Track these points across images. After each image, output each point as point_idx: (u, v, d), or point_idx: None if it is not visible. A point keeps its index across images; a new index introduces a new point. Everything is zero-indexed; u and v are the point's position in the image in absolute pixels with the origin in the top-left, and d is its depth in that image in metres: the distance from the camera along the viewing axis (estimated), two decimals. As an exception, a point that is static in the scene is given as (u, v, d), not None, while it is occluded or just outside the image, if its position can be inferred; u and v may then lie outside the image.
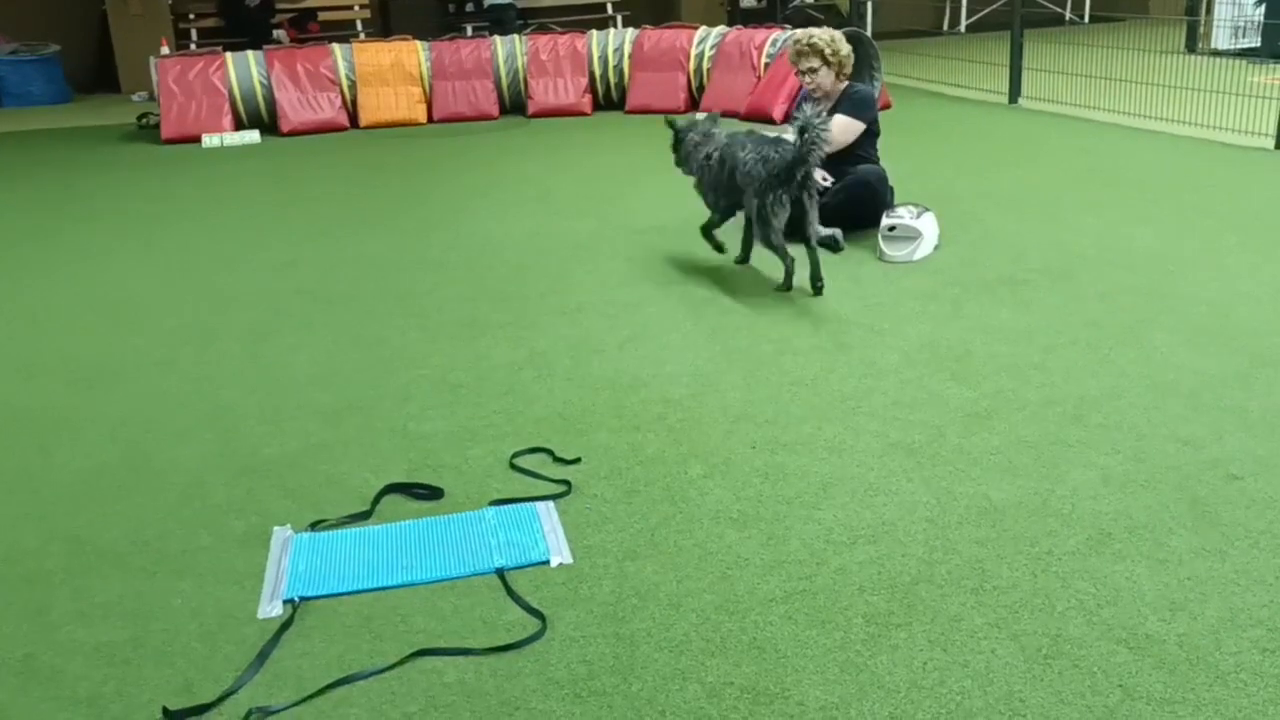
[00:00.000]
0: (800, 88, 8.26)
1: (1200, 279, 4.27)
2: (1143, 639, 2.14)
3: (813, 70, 5.01)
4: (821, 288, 4.30)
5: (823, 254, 4.82)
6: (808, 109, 4.19)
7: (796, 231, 5.01)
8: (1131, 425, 3.05)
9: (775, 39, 9.03)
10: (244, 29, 12.11)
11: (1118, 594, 2.28)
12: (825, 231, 4.92)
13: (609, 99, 9.79)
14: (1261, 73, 9.02)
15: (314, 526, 2.70)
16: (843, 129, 4.98)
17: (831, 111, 5.07)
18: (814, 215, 4.30)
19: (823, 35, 5.02)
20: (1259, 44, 10.30)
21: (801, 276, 4.34)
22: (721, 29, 9.69)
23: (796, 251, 4.34)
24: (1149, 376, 3.37)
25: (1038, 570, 2.38)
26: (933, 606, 2.27)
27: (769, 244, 4.36)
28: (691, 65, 9.48)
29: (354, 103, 9.38)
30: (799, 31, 5.17)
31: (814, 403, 3.30)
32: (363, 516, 2.75)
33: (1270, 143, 6.72)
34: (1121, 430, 3.02)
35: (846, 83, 5.09)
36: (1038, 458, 2.89)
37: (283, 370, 3.79)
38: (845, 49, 5.02)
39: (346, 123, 9.29)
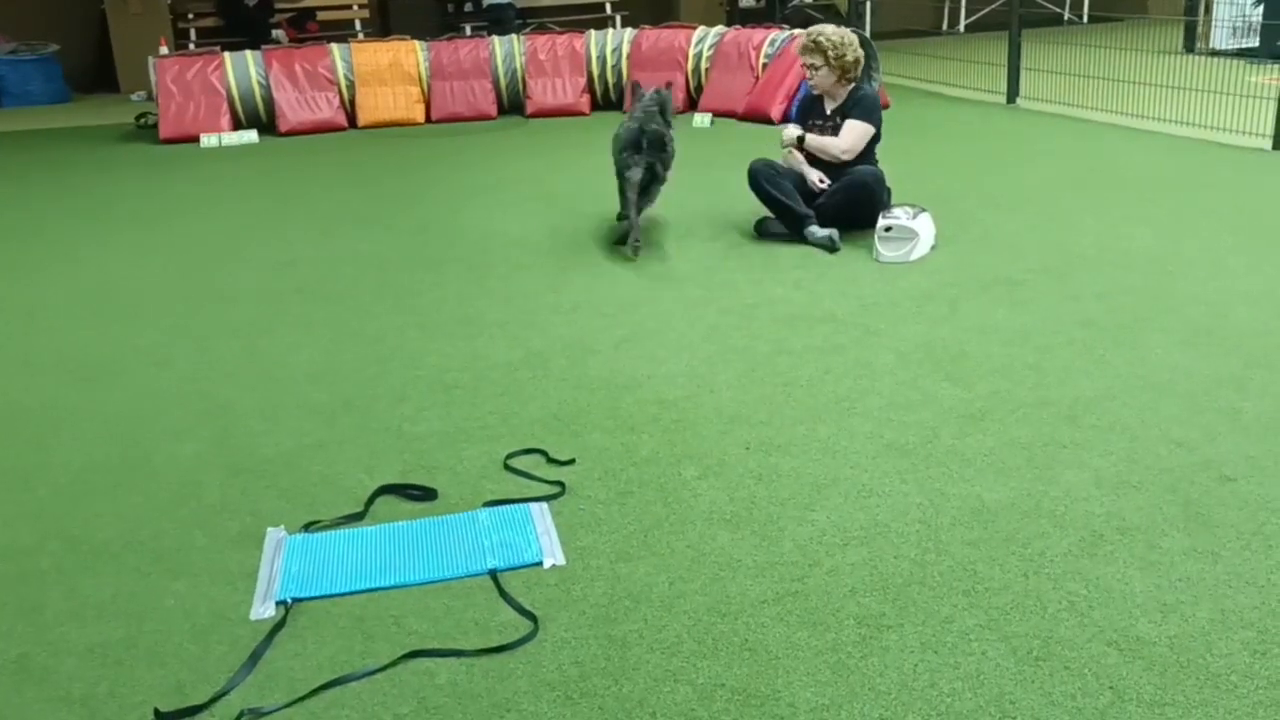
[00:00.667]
0: (799, 86, 8.27)
1: (1197, 280, 4.28)
2: (1134, 641, 2.14)
3: (814, 67, 5.01)
4: (637, 249, 4.89)
5: (819, 254, 4.84)
6: (644, 92, 4.96)
7: (798, 228, 5.02)
8: (1125, 426, 3.05)
9: (773, 39, 9.03)
10: (243, 29, 12.10)
11: (1109, 596, 2.28)
12: (822, 232, 4.94)
13: (607, 99, 9.79)
14: (1260, 73, 9.02)
15: (307, 528, 2.71)
16: (858, 135, 5.00)
17: (837, 113, 5.07)
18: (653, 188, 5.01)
19: (832, 36, 4.98)
20: (1257, 44, 10.30)
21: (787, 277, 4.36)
22: (720, 29, 9.69)
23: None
24: (1144, 377, 3.37)
25: (1029, 572, 2.38)
26: (924, 608, 2.27)
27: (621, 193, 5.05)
28: (690, 65, 9.48)
29: (352, 102, 9.38)
30: (816, 26, 5.16)
31: (808, 404, 3.30)
32: (356, 518, 2.75)
33: (1268, 143, 6.73)
34: (1115, 431, 3.02)
35: (851, 85, 5.08)
36: (1031, 459, 2.89)
37: (280, 368, 3.79)
38: (852, 55, 4.98)
39: (345, 123, 9.29)
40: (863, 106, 5.03)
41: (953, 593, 2.32)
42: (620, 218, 5.27)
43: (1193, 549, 2.44)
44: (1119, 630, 2.17)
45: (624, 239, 5.03)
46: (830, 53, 4.96)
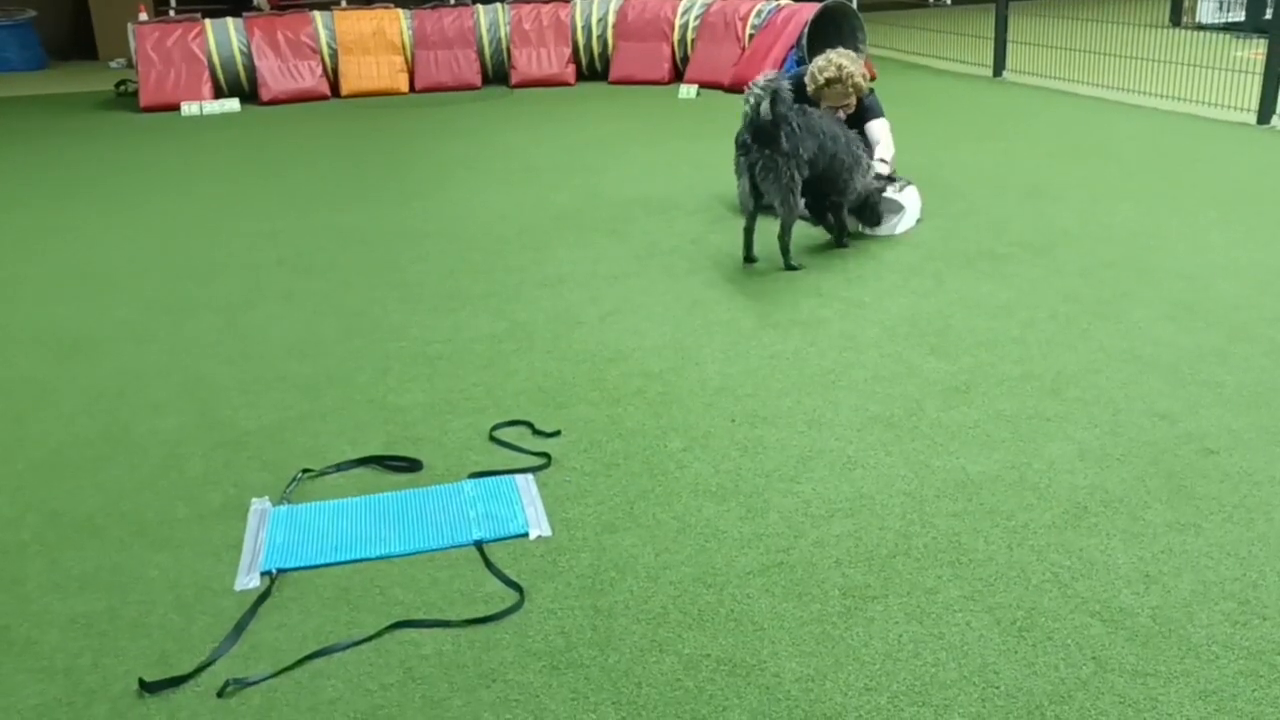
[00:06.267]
0: (786, 59, 8.24)
1: (1180, 254, 4.29)
2: (1116, 612, 2.15)
3: (847, 107, 4.83)
4: (792, 268, 4.28)
5: (804, 227, 4.82)
6: (772, 81, 4.06)
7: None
8: (1109, 399, 3.06)
9: (760, 10, 8.98)
10: (223, -5, 11.95)
11: (1092, 567, 2.30)
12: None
13: (592, 69, 9.74)
14: (1245, 47, 9.03)
15: (304, 473, 2.73)
16: (888, 131, 4.96)
17: (853, 120, 5.00)
18: (775, 195, 4.18)
19: (852, 67, 4.76)
20: (1243, 18, 10.30)
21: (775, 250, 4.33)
22: (706, -1, 9.63)
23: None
24: (1127, 351, 3.38)
25: (1013, 543, 2.40)
26: (909, 579, 2.28)
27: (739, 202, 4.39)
28: (676, 36, 9.43)
29: (335, 71, 9.30)
30: (822, 62, 4.83)
31: (794, 376, 3.30)
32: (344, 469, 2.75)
33: (1252, 118, 6.74)
34: (1099, 404, 3.04)
35: None
36: (1015, 431, 2.90)
37: (261, 341, 3.77)
38: (864, 70, 4.89)
39: (328, 91, 9.21)
40: (874, 107, 4.98)
41: (937, 564, 2.33)
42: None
43: (1175, 521, 2.46)
44: (1102, 601, 2.19)
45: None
46: (863, 85, 4.80)
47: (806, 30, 8.19)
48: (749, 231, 4.35)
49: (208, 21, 9.18)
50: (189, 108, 8.72)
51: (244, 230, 5.21)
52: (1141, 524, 2.45)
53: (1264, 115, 6.69)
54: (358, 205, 5.61)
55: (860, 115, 4.98)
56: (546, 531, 2.51)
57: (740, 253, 4.39)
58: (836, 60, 4.79)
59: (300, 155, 7.02)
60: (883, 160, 4.82)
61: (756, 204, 4.27)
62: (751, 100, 4.07)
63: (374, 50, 9.32)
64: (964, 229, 4.74)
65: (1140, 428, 2.89)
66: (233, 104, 8.87)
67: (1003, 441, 2.85)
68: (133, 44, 9.06)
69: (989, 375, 3.25)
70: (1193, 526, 2.43)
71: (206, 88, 8.93)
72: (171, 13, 11.80)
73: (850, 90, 4.80)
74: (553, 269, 4.42)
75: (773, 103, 4.04)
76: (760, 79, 4.10)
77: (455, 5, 10.19)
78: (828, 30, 8.22)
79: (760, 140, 4.12)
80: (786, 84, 4.13)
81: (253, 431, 3.08)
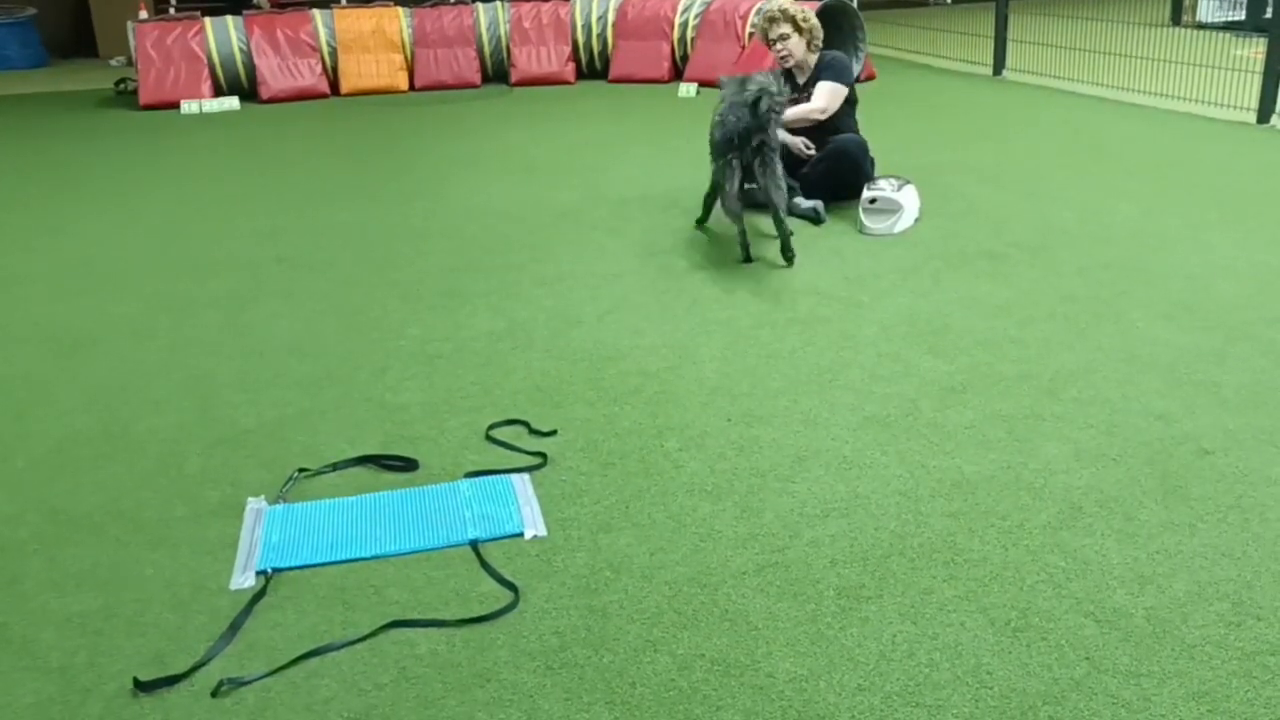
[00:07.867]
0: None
1: (1179, 254, 4.29)
2: (1110, 612, 2.16)
3: (784, 38, 4.93)
4: (791, 258, 4.31)
5: (804, 226, 4.83)
6: (760, 76, 4.23)
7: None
8: (1105, 400, 3.06)
9: (759, 9, 8.97)
10: (224, -7, 11.95)
11: (1087, 567, 2.30)
12: (806, 204, 4.93)
13: (592, 68, 9.73)
14: (1245, 46, 9.02)
15: (300, 472, 2.74)
16: (829, 94, 4.96)
17: (810, 82, 5.04)
18: (771, 185, 4.23)
19: (788, 4, 4.98)
20: (1244, 17, 10.30)
21: (771, 248, 4.34)
22: (706, -2, 9.62)
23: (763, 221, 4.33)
24: (1124, 351, 3.39)
25: (1008, 544, 2.40)
26: (903, 579, 2.29)
27: (724, 209, 4.39)
28: (675, 34, 9.42)
29: (335, 69, 9.30)
30: (767, 4, 5.13)
31: (790, 376, 3.30)
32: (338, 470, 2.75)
33: (1253, 117, 6.74)
34: (1095, 404, 3.04)
35: (818, 53, 5.06)
36: (1011, 431, 2.90)
37: (261, 339, 3.77)
38: (814, 18, 4.98)
39: (327, 90, 9.22)
40: (833, 69, 5.01)
41: (932, 564, 2.33)
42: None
43: (1170, 521, 2.46)
44: (1096, 602, 2.19)
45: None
46: (797, 16, 4.92)
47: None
48: (743, 233, 4.34)
49: (207, 20, 9.19)
50: (189, 106, 8.72)
51: (243, 228, 5.21)
52: (1136, 524, 2.45)
53: (1264, 114, 6.69)
54: (357, 203, 5.61)
55: (817, 76, 5.00)
56: (542, 531, 2.51)
57: (739, 253, 4.39)
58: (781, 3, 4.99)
59: (300, 153, 7.02)
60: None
61: (743, 205, 4.29)
62: (754, 98, 4.14)
63: (373, 48, 9.32)
64: (963, 228, 4.74)
65: (1136, 428, 2.89)
66: (232, 102, 8.87)
67: (999, 441, 2.85)
68: (132, 42, 9.07)
69: (986, 375, 3.26)
70: (1188, 527, 2.44)
71: (206, 86, 8.93)
72: (171, 11, 11.80)
73: (779, 16, 4.89)
74: (552, 267, 4.43)
75: (766, 102, 4.11)
76: (759, 76, 4.16)
77: (455, 4, 10.19)
78: (828, 29, 8.17)
79: (757, 136, 4.15)
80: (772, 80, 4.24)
81: (251, 429, 3.08)
